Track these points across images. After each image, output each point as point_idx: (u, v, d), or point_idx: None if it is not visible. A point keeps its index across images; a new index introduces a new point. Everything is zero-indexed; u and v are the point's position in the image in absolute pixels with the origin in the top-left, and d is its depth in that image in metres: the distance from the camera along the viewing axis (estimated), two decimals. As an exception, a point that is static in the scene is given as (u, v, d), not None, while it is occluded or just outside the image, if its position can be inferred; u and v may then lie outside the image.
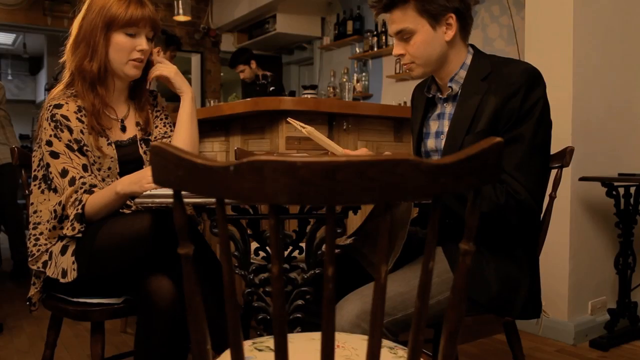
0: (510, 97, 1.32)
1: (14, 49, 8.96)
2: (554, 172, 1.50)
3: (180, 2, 5.33)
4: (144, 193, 1.16)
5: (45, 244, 1.47)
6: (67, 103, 1.48)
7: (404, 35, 1.41)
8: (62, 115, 1.44)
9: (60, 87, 1.53)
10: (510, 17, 3.96)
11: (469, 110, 1.39)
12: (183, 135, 1.59)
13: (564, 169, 1.53)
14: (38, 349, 2.45)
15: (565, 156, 1.48)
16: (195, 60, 6.80)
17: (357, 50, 5.59)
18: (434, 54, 1.41)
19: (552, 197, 1.50)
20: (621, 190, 2.47)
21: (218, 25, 6.67)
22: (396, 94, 5.15)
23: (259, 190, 0.61)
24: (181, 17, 5.40)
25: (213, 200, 1.13)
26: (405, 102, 4.93)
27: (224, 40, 6.88)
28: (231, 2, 6.17)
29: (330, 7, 6.18)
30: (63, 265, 1.39)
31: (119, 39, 1.49)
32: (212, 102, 4.01)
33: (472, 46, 1.48)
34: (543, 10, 2.59)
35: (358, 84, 5.56)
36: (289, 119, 1.51)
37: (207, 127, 3.53)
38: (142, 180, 1.29)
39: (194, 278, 0.70)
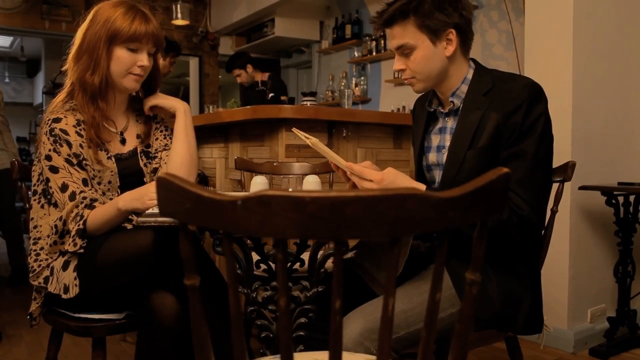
0: (512, 112, 1.32)
1: (11, 52, 8.93)
2: (555, 186, 1.50)
3: (178, 6, 5.33)
4: (146, 212, 1.16)
5: (46, 259, 1.46)
6: (65, 117, 1.47)
7: (404, 51, 1.41)
8: (61, 130, 1.44)
9: (61, 96, 1.52)
10: (509, 22, 3.97)
11: (470, 125, 1.39)
12: (180, 149, 1.59)
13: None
14: (37, 358, 2.44)
15: (567, 170, 1.49)
16: (194, 63, 6.79)
17: (356, 55, 5.59)
18: (435, 69, 1.42)
19: (554, 212, 1.50)
20: (620, 199, 2.47)
21: (216, 29, 6.66)
22: (395, 99, 5.15)
23: (267, 225, 0.61)
24: (179, 22, 5.40)
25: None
26: (404, 107, 4.94)
27: (223, 43, 6.87)
28: (229, 6, 6.16)
29: (329, 11, 6.18)
30: (65, 281, 1.39)
31: (120, 53, 1.48)
32: (210, 107, 4.00)
33: (474, 60, 1.48)
34: (543, 20, 2.59)
35: (357, 88, 5.56)
36: (294, 129, 1.51)
37: (206, 134, 3.53)
38: (144, 197, 1.29)
39: (200, 309, 0.69)
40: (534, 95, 1.32)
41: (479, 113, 1.37)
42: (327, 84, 6.04)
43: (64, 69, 1.56)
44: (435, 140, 1.54)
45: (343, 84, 5.80)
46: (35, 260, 1.47)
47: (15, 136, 6.07)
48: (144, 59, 1.51)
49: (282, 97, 4.29)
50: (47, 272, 1.45)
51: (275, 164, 2.38)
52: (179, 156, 1.58)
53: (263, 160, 2.90)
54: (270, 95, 3.56)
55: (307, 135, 1.44)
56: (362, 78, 5.60)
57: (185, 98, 7.02)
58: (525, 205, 1.29)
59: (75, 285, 1.37)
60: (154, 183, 1.32)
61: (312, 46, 6.43)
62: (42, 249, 1.48)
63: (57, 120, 1.45)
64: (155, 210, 1.18)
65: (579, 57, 2.49)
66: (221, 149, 3.43)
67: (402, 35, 1.39)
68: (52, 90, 6.65)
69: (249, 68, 4.49)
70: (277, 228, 0.61)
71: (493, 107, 1.35)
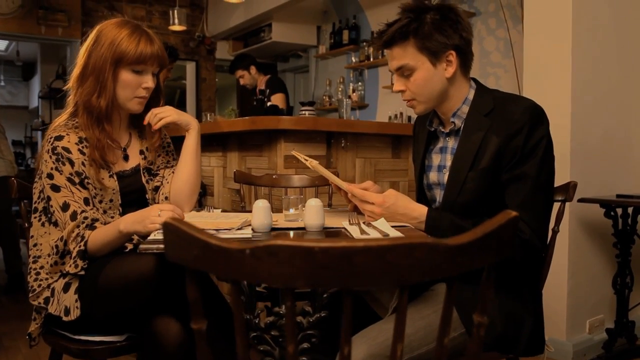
0: (513, 135, 1.32)
1: (6, 55, 8.89)
2: (556, 206, 1.50)
3: (175, 11, 5.31)
4: (149, 238, 1.15)
5: (46, 279, 1.45)
6: (68, 134, 1.46)
7: (404, 72, 1.41)
8: (63, 148, 1.43)
9: (63, 117, 1.52)
10: (507, 30, 3.97)
11: (471, 147, 1.39)
12: (187, 169, 1.59)
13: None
14: (35, 372, 2.43)
15: (568, 190, 1.49)
16: (191, 68, 6.78)
17: (353, 60, 5.59)
18: (435, 90, 1.41)
19: (555, 232, 1.50)
20: (619, 211, 2.48)
21: (213, 34, 6.65)
22: (392, 105, 5.16)
23: (276, 274, 0.60)
24: (176, 27, 5.39)
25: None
26: (401, 114, 4.94)
27: (219, 47, 6.86)
28: (226, 11, 6.15)
29: (326, 15, 6.18)
30: (66, 303, 1.38)
31: (126, 76, 1.48)
32: (208, 115, 3.99)
33: (475, 80, 1.48)
34: (541, 29, 2.60)
35: (354, 94, 5.56)
36: (294, 152, 1.51)
37: (204, 142, 3.50)
38: (145, 221, 1.28)
39: (209, 353, 0.69)
40: (536, 118, 1.32)
41: (480, 134, 1.38)
42: (324, 89, 6.04)
43: (66, 87, 1.55)
44: (436, 159, 1.54)
45: (340, 89, 5.80)
46: (35, 280, 1.46)
47: (10, 139, 6.05)
48: (148, 81, 1.51)
49: (279, 94, 4.24)
50: (47, 293, 1.44)
51: (274, 176, 2.38)
52: (184, 176, 1.58)
53: (262, 171, 2.89)
54: (269, 104, 3.55)
55: (307, 158, 1.44)
56: (360, 83, 5.60)
57: (182, 102, 7.01)
58: (527, 228, 1.29)
59: (77, 307, 1.36)
60: (155, 206, 1.32)
61: (309, 51, 6.43)
62: (42, 267, 1.47)
63: (59, 138, 1.44)
64: (158, 236, 1.18)
65: (578, 68, 2.49)
66: (219, 157, 3.42)
67: (401, 57, 1.39)
68: (48, 94, 6.65)
69: (253, 70, 4.48)
70: (286, 277, 0.60)
71: (494, 128, 1.36)
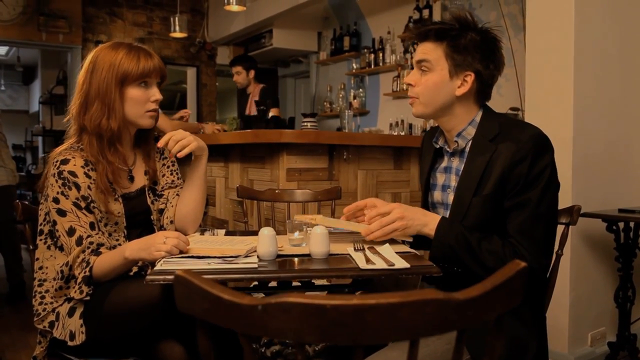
0: (517, 162, 1.32)
1: (7, 59, 8.90)
2: (560, 229, 1.50)
3: (176, 19, 5.32)
4: (155, 269, 1.16)
5: (51, 303, 1.46)
6: (73, 157, 1.46)
7: (422, 66, 1.44)
8: (69, 172, 1.43)
9: (64, 146, 1.51)
10: (508, 39, 3.97)
11: (476, 171, 1.39)
12: (195, 194, 1.61)
13: (563, 204, 1.54)
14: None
15: (572, 214, 1.49)
16: (191, 73, 6.78)
17: (354, 66, 5.60)
18: (439, 100, 1.43)
19: (559, 255, 1.50)
20: (621, 225, 2.48)
21: (214, 39, 6.66)
22: (393, 112, 5.16)
23: (287, 330, 0.61)
24: (177, 34, 5.39)
25: (223, 277, 1.12)
26: (402, 121, 4.94)
27: (220, 53, 6.87)
28: (227, 17, 6.16)
29: (327, 22, 6.18)
30: (71, 327, 1.38)
31: (134, 92, 1.49)
32: (210, 124, 3.99)
33: (485, 106, 1.49)
34: (543, 43, 2.60)
35: (355, 100, 5.56)
36: (296, 216, 1.48)
37: (206, 152, 3.53)
38: (151, 248, 1.28)
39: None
40: (541, 146, 1.33)
41: (485, 159, 1.38)
42: (325, 95, 6.04)
43: (66, 119, 1.55)
44: (440, 178, 1.54)
45: (341, 95, 5.80)
46: (40, 304, 1.46)
47: (11, 143, 6.06)
48: (156, 93, 1.54)
49: (277, 108, 4.27)
50: (52, 317, 1.44)
51: (277, 191, 2.38)
52: (191, 201, 1.59)
53: (264, 183, 2.90)
54: (271, 115, 3.56)
55: (312, 216, 1.43)
56: (361, 90, 5.60)
57: (182, 106, 7.02)
58: (527, 254, 1.30)
59: (82, 332, 1.36)
60: (160, 233, 1.32)
61: (310, 57, 6.43)
62: (47, 291, 1.47)
63: (65, 161, 1.44)
64: (164, 265, 1.18)
65: (581, 81, 2.49)
66: (221, 168, 3.43)
67: (428, 52, 1.43)
68: (48, 100, 6.65)
69: (251, 73, 4.51)
70: (297, 333, 0.61)
71: (499, 154, 1.36)
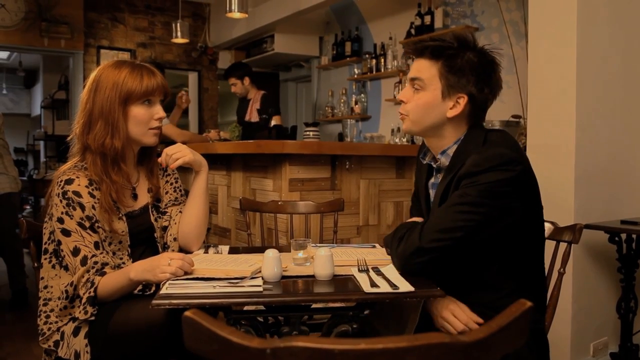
0: (472, 174, 1.30)
1: (9, 63, 8.91)
2: (563, 247, 1.50)
3: (178, 24, 5.33)
4: (160, 293, 1.16)
5: (56, 322, 1.46)
6: (78, 177, 1.47)
7: (415, 85, 1.42)
8: (73, 192, 1.44)
9: (68, 165, 1.52)
10: (510, 46, 3.98)
11: (443, 187, 1.39)
12: (197, 210, 1.61)
13: (565, 215, 1.54)
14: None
15: (574, 233, 1.49)
16: (193, 78, 6.79)
17: (356, 71, 5.60)
18: (429, 120, 1.41)
19: (561, 273, 1.51)
20: (623, 236, 2.48)
21: (216, 44, 6.66)
22: (395, 117, 5.15)
23: (296, 373, 0.61)
24: (179, 40, 5.40)
25: (228, 301, 1.13)
26: (404, 126, 4.94)
27: (222, 57, 6.87)
28: (229, 22, 6.16)
29: (328, 27, 6.19)
30: (76, 347, 1.39)
31: (137, 111, 1.50)
32: (212, 132, 4.00)
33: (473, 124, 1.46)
34: (545, 51, 2.60)
35: (357, 106, 5.57)
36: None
37: (208, 160, 3.54)
38: (155, 270, 1.29)
39: None
40: (502, 163, 1.28)
41: (450, 177, 1.37)
42: (326, 100, 6.05)
43: (70, 138, 1.56)
44: (432, 194, 1.53)
45: (343, 100, 5.80)
46: (45, 323, 1.47)
47: (13, 147, 6.07)
48: (159, 111, 1.55)
49: (278, 116, 4.27)
50: (57, 336, 1.45)
51: (279, 202, 2.39)
52: (193, 218, 1.59)
53: (266, 193, 2.90)
54: (273, 124, 3.56)
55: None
56: (362, 95, 5.61)
57: (183, 111, 7.01)
58: (418, 235, 1.30)
59: (87, 352, 1.37)
60: (165, 255, 1.33)
61: (312, 61, 6.43)
62: (52, 310, 1.48)
63: (69, 181, 1.45)
64: (169, 289, 1.18)
65: (583, 90, 2.49)
66: (223, 176, 3.43)
67: (422, 71, 1.40)
68: (50, 105, 6.65)
69: (246, 81, 4.49)
70: (306, 377, 0.61)
71: (461, 170, 1.34)
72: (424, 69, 1.39)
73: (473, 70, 1.36)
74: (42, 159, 6.90)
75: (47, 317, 1.47)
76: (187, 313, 0.66)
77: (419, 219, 1.47)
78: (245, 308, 1.25)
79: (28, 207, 7.01)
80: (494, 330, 0.65)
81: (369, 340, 0.62)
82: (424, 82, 1.39)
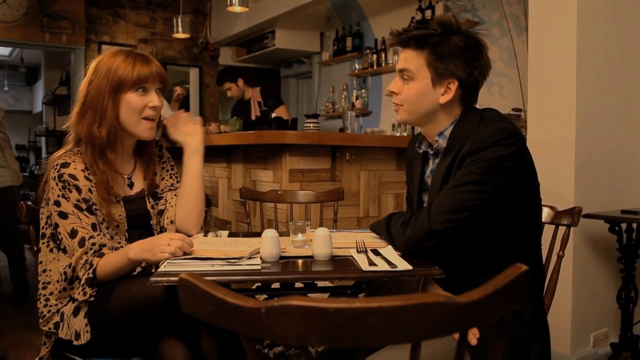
0: (475, 151, 1.30)
1: (10, 60, 8.92)
2: (562, 230, 1.50)
3: (179, 20, 5.33)
4: (158, 270, 1.16)
5: (56, 304, 1.47)
6: (74, 161, 1.47)
7: (404, 75, 1.42)
8: (69, 175, 1.44)
9: (64, 150, 1.52)
10: (510, 39, 3.98)
11: (443, 168, 1.39)
12: (194, 194, 1.61)
13: (566, 206, 1.54)
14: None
15: (573, 216, 1.49)
16: (194, 74, 6.80)
17: (357, 67, 5.60)
18: (422, 108, 1.41)
19: (560, 256, 1.51)
20: (624, 226, 2.48)
21: (217, 40, 6.67)
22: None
23: (290, 332, 0.61)
24: (180, 35, 5.41)
25: (226, 278, 1.13)
26: (404, 121, 4.94)
27: (223, 54, 6.88)
28: (230, 18, 6.17)
29: (329, 22, 6.19)
30: (76, 327, 1.39)
31: (130, 97, 1.48)
32: (212, 125, 4.00)
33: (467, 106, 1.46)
34: (546, 42, 2.60)
35: (357, 101, 5.57)
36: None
37: (208, 152, 3.53)
38: (154, 249, 1.29)
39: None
40: (502, 138, 1.29)
41: (451, 157, 1.37)
42: (327, 95, 6.05)
43: (65, 126, 1.55)
44: (429, 181, 1.53)
45: (344, 96, 5.80)
46: (45, 306, 1.47)
47: (14, 144, 6.08)
48: (154, 99, 1.51)
49: (282, 107, 4.26)
50: (57, 318, 1.45)
51: (279, 192, 2.39)
52: (191, 202, 1.59)
53: (266, 184, 2.91)
54: (274, 115, 3.56)
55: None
56: (363, 90, 5.61)
57: (185, 106, 7.03)
58: (427, 216, 1.30)
59: (87, 331, 1.37)
60: (164, 235, 1.33)
61: (313, 57, 6.43)
62: (51, 293, 1.48)
63: (65, 165, 1.45)
64: (168, 267, 1.19)
65: (583, 82, 2.49)
66: (224, 168, 3.44)
67: (409, 61, 1.40)
68: (52, 101, 6.67)
69: (240, 82, 4.51)
70: (301, 336, 0.61)
71: (463, 150, 1.34)
72: (411, 59, 1.39)
73: (460, 55, 1.36)
74: (44, 155, 6.92)
75: (47, 300, 1.47)
76: (183, 275, 0.66)
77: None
78: (243, 289, 1.25)
79: (29, 202, 7.02)
80: (489, 292, 0.65)
81: (364, 299, 0.62)
82: (412, 72, 1.39)
